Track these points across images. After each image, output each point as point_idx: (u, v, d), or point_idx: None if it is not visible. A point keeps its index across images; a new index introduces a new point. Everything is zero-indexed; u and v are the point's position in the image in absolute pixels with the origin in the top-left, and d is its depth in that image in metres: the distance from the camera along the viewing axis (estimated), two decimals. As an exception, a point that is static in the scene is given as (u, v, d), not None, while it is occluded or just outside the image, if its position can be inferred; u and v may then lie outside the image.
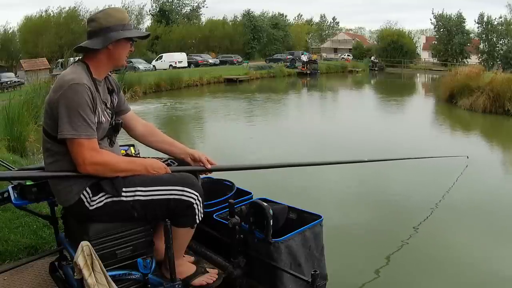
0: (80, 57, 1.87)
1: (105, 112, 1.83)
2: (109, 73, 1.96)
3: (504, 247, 4.31)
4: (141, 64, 33.04)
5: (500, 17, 42.40)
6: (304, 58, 39.12)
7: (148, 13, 54.03)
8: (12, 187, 2.02)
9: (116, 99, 1.97)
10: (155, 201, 1.79)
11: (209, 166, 2.04)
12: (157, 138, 2.11)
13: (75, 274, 1.62)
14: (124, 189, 1.75)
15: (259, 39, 53.61)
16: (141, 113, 13.70)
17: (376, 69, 41.58)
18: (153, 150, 2.16)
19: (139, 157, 2.37)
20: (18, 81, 22.84)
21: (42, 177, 1.88)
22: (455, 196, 5.67)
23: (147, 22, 54.16)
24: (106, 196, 1.75)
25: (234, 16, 56.56)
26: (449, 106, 15.78)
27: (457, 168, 6.57)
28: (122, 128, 2.00)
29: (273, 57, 44.56)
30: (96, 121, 1.74)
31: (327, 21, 76.25)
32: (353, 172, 6.42)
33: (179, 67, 33.44)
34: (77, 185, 1.74)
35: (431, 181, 6.33)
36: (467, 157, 6.85)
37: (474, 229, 4.80)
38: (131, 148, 2.74)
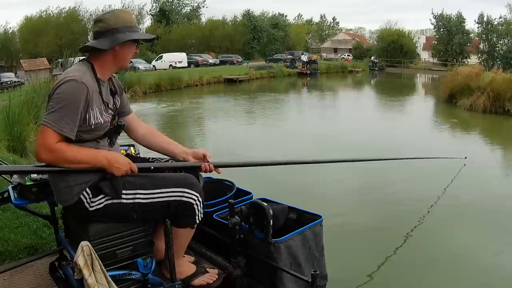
0: (83, 57, 1.88)
1: (106, 113, 1.82)
2: (113, 74, 1.96)
3: (503, 246, 4.32)
4: (141, 64, 33.00)
5: (500, 17, 42.45)
6: (304, 58, 39.09)
7: (148, 13, 54.14)
8: (12, 187, 2.02)
9: (119, 101, 1.97)
10: (155, 203, 1.79)
11: (206, 163, 2.01)
12: (157, 139, 2.10)
13: (75, 274, 1.62)
14: (123, 191, 1.75)
15: (259, 39, 53.59)
16: (141, 113, 13.70)
17: (376, 69, 41.57)
18: (154, 152, 2.15)
19: (138, 156, 2.37)
20: (18, 81, 22.80)
21: (39, 171, 1.85)
22: (455, 195, 5.69)
23: (147, 22, 54.27)
24: (106, 198, 1.75)
25: (234, 16, 56.58)
26: (449, 106, 15.78)
27: (457, 168, 6.57)
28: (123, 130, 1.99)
29: (273, 57, 44.52)
30: (92, 122, 1.73)
31: (327, 21, 76.38)
32: (353, 172, 6.42)
33: (179, 67, 33.44)
34: (77, 185, 1.74)
35: (431, 181, 6.34)
36: (465, 158, 6.86)
37: (473, 228, 4.82)
38: (131, 148, 2.74)
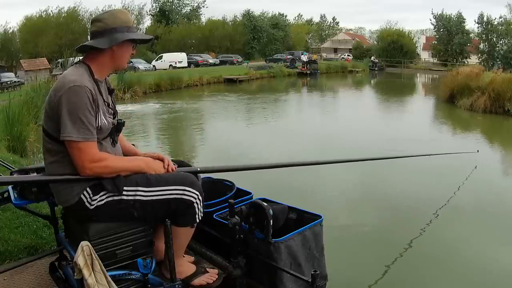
0: (81, 58, 1.87)
1: (108, 113, 1.83)
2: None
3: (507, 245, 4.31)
4: (141, 64, 32.99)
5: (500, 17, 42.48)
6: (304, 58, 39.11)
7: (148, 13, 54.07)
8: (12, 187, 2.02)
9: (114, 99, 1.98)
10: (156, 201, 1.79)
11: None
12: (123, 144, 2.06)
13: (75, 274, 1.62)
14: (125, 188, 1.75)
15: (259, 39, 53.57)
16: (141, 113, 13.68)
17: (376, 69, 41.57)
18: None
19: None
20: (18, 81, 22.79)
21: (42, 181, 1.87)
22: (456, 196, 5.67)
23: (147, 22, 54.20)
24: (107, 195, 1.75)
25: (234, 16, 56.55)
26: (450, 106, 15.79)
27: (463, 169, 6.55)
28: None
29: (273, 57, 44.51)
30: (99, 123, 1.74)
31: (327, 21, 76.37)
32: (354, 172, 6.42)
33: (179, 67, 33.43)
34: (78, 185, 1.74)
35: (434, 182, 6.33)
36: (477, 151, 6.81)
37: (479, 229, 4.80)
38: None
